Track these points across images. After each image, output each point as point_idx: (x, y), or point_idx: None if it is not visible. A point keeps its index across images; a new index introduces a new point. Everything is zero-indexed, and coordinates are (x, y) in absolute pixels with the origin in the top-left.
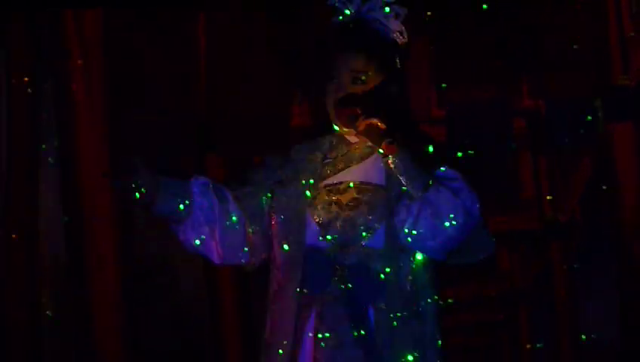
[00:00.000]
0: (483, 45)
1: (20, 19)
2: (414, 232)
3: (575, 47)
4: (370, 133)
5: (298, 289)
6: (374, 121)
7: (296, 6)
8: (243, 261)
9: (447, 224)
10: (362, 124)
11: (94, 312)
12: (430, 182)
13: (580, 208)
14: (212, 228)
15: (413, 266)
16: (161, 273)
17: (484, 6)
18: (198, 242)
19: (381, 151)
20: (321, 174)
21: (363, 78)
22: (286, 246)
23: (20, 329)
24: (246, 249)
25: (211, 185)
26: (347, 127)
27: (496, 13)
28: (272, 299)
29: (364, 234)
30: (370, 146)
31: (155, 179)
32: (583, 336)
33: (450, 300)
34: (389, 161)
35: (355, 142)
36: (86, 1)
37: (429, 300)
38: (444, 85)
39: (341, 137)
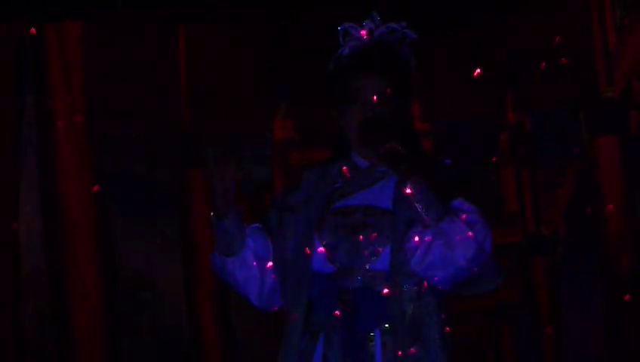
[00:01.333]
0: (468, 59)
1: (2, 33)
2: (425, 260)
3: (560, 60)
4: (389, 157)
5: (304, 315)
6: (395, 145)
7: (280, 18)
8: (278, 306)
9: (458, 256)
10: (383, 148)
11: (76, 325)
12: (445, 213)
13: (563, 222)
14: (262, 269)
15: (418, 291)
16: (142, 287)
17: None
18: (242, 280)
19: (399, 176)
20: (330, 199)
21: (388, 99)
22: (297, 272)
23: (1, 340)
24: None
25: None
26: (368, 150)
27: (480, 28)
28: (283, 323)
29: (368, 257)
30: (381, 171)
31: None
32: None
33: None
34: (407, 188)
35: (366, 167)
36: (66, 14)
37: (433, 326)
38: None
39: (351, 162)
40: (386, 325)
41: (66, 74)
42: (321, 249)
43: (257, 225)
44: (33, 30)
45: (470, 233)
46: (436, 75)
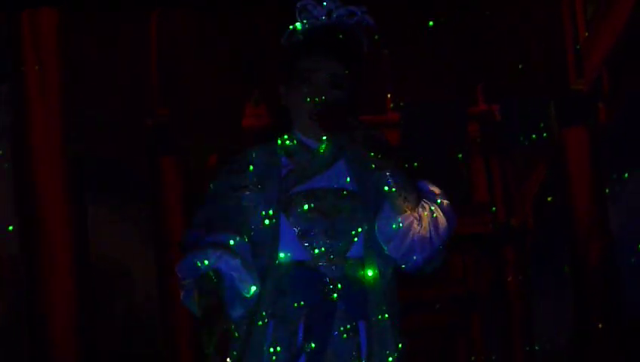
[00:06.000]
0: (438, 50)
1: None
2: (404, 245)
3: (530, 51)
4: (369, 143)
5: (283, 303)
6: (374, 132)
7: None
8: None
9: (435, 239)
10: (360, 134)
11: (50, 312)
12: (420, 197)
13: (532, 212)
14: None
15: (390, 278)
16: (116, 274)
17: (430, 23)
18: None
19: (378, 163)
20: (289, 180)
21: (342, 82)
22: (263, 258)
23: None
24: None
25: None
26: (328, 132)
27: (452, 18)
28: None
29: (346, 243)
30: (334, 152)
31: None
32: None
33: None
34: (387, 174)
35: (316, 148)
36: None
37: (396, 312)
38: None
39: (300, 141)
40: (370, 314)
41: (40, 60)
42: (294, 234)
43: (239, 240)
44: None
45: (444, 216)
46: (408, 63)
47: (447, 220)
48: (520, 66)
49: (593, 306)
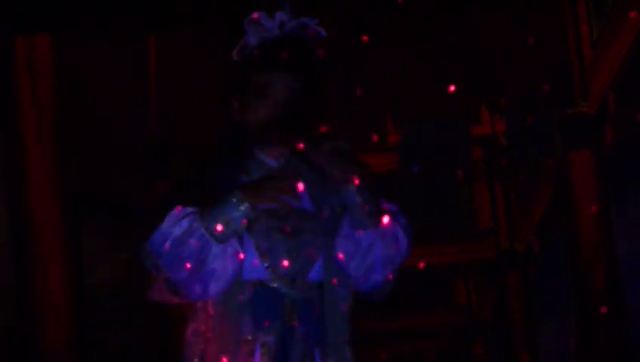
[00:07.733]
0: (442, 70)
1: None
2: (365, 263)
3: (534, 73)
4: (335, 155)
5: (238, 325)
6: (341, 143)
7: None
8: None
9: (396, 256)
10: (328, 148)
11: (44, 339)
12: (382, 215)
13: (536, 238)
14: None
15: (350, 299)
16: (112, 297)
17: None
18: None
19: (345, 178)
20: None
21: (299, 96)
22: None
23: None
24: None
25: None
26: (288, 148)
27: (455, 39)
28: (211, 332)
29: (307, 265)
30: (293, 171)
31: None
32: None
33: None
34: (353, 187)
35: (276, 167)
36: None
37: (351, 334)
38: None
39: (258, 159)
40: (327, 341)
41: (35, 87)
42: (255, 253)
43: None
44: None
45: (404, 234)
46: (408, 83)
47: (407, 238)
48: (524, 89)
49: (597, 331)
